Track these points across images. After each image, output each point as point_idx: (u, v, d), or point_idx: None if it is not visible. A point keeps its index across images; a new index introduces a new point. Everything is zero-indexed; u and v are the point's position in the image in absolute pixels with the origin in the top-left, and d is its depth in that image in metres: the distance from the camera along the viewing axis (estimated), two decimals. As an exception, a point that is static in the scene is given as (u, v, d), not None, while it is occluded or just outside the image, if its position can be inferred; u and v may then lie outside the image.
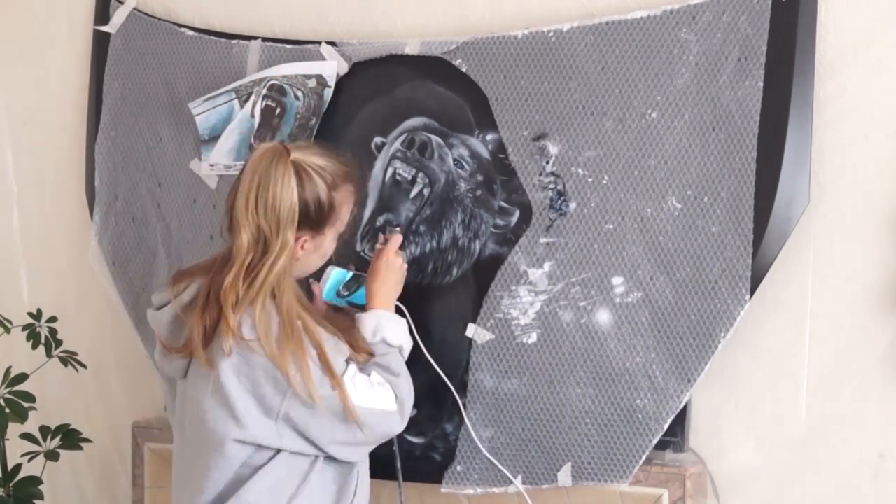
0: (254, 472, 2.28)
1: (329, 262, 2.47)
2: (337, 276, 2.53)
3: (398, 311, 2.46)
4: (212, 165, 2.84)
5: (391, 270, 2.46)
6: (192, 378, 2.33)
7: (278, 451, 2.28)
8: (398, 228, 2.62)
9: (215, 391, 2.25)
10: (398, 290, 2.48)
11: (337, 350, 2.28)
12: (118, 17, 3.03)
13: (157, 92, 2.96)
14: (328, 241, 2.38)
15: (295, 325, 2.24)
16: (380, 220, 2.66)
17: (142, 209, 2.98)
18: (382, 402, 2.31)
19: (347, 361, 2.29)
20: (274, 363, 2.21)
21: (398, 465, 2.55)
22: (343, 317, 2.48)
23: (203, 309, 2.27)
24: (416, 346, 2.50)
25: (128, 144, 3.00)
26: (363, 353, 2.34)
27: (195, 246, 2.86)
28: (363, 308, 2.46)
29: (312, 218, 2.30)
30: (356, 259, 2.66)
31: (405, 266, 2.50)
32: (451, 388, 2.57)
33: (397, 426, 2.34)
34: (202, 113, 2.83)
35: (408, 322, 2.47)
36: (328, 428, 2.27)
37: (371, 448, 2.37)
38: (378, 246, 2.53)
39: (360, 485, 2.36)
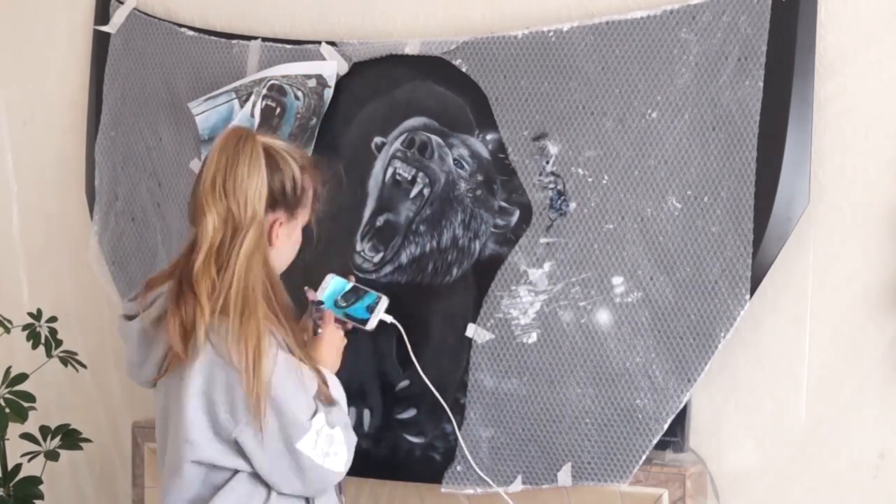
0: (214, 491, 2.20)
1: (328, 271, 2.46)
2: (336, 284, 2.51)
3: (393, 325, 2.50)
4: (211, 165, 2.84)
5: (332, 345, 2.37)
6: (162, 386, 2.28)
7: (236, 470, 2.21)
8: (323, 308, 2.49)
9: (178, 398, 2.19)
10: (336, 360, 2.38)
11: (306, 388, 2.20)
12: (118, 17, 3.04)
13: (157, 92, 2.96)
14: (299, 229, 2.32)
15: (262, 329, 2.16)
16: (380, 221, 2.65)
17: (142, 209, 2.98)
18: (335, 464, 2.21)
19: (316, 403, 2.20)
20: (237, 374, 2.13)
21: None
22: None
23: (177, 301, 2.18)
24: (417, 346, 2.51)
25: (128, 144, 3.00)
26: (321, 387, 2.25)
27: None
28: (362, 322, 2.45)
29: (287, 198, 2.25)
30: (352, 266, 2.66)
31: (342, 335, 2.41)
32: (443, 402, 2.58)
33: (336, 481, 2.27)
34: (202, 113, 2.83)
35: (401, 333, 2.50)
36: (276, 464, 2.19)
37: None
38: (311, 317, 2.46)
39: None
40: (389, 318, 2.52)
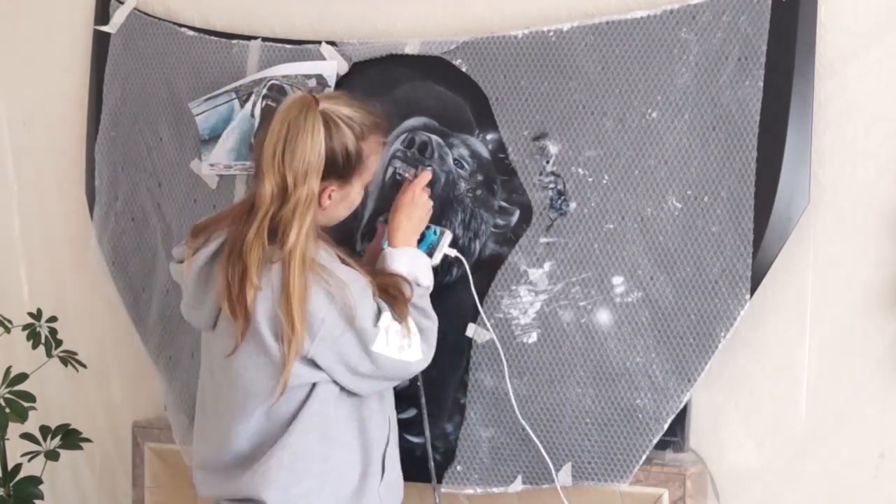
0: (287, 417, 2.29)
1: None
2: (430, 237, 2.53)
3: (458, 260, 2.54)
4: (212, 165, 2.84)
5: (416, 206, 2.47)
6: (221, 329, 2.33)
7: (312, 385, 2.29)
8: (430, 167, 2.61)
9: (251, 337, 2.25)
10: (422, 227, 2.49)
11: (363, 293, 2.28)
12: (118, 17, 3.03)
13: (157, 92, 2.96)
14: (355, 192, 2.38)
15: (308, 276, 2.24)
16: (380, 221, 2.65)
17: (142, 209, 2.98)
18: (410, 354, 2.33)
19: (379, 307, 2.29)
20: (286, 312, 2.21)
21: (423, 400, 2.56)
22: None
23: (227, 262, 2.26)
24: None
25: (128, 144, 3.00)
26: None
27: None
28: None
29: (340, 168, 2.31)
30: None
31: (430, 203, 2.50)
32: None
33: (417, 370, 2.38)
34: (202, 113, 2.83)
35: (465, 268, 2.54)
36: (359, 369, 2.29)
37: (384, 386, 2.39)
38: (407, 177, 2.54)
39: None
40: (454, 253, 2.53)
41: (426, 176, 2.53)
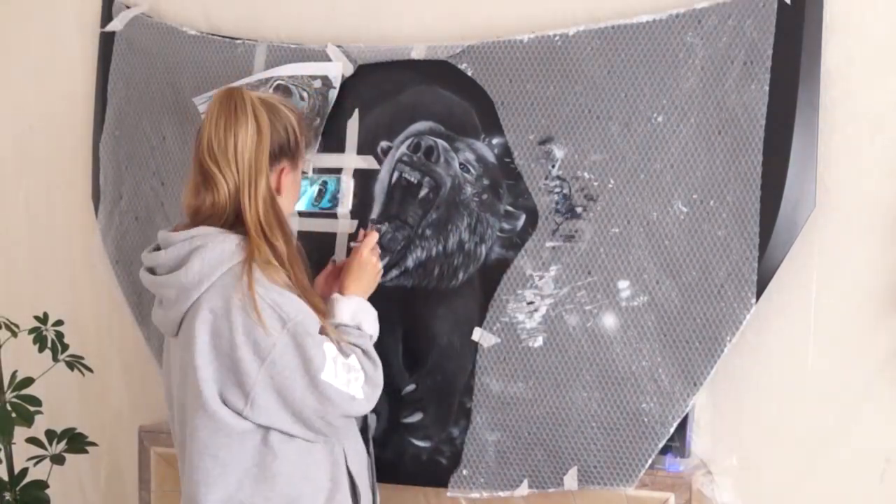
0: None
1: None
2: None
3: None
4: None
5: (363, 269, 2.47)
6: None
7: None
8: (379, 227, 2.63)
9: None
10: (372, 288, 2.48)
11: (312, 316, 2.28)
12: (123, 17, 3.03)
13: (161, 91, 2.96)
14: (299, 177, 2.41)
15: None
16: (385, 226, 2.65)
17: (145, 208, 2.98)
18: (356, 390, 2.28)
19: (322, 335, 2.28)
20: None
21: (370, 448, 2.54)
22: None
23: None
24: (423, 350, 2.51)
25: (132, 144, 3.00)
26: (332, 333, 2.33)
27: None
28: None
29: (291, 147, 2.34)
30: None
31: (379, 266, 2.51)
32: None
33: (361, 410, 2.33)
34: (208, 111, 2.83)
35: None
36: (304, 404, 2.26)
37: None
38: (354, 243, 2.57)
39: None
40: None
41: (372, 237, 2.52)
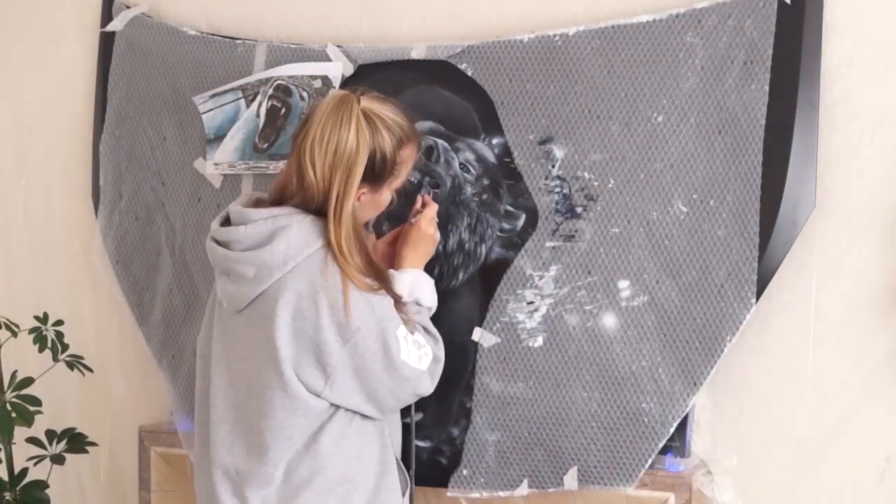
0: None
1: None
2: None
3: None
4: (216, 165, 2.84)
5: (421, 240, 2.49)
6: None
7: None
8: (437, 191, 2.62)
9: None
10: (427, 258, 2.50)
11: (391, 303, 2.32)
12: (123, 17, 3.03)
13: (161, 91, 2.96)
14: (384, 197, 2.39)
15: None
16: (386, 225, 2.65)
17: (146, 208, 2.98)
18: (424, 364, 2.34)
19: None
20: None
21: (413, 437, 2.58)
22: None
23: None
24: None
25: (132, 144, 3.01)
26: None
27: (199, 245, 2.86)
28: None
29: (374, 171, 2.31)
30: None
31: (437, 236, 2.52)
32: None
33: (428, 388, 2.38)
34: (208, 111, 2.83)
35: None
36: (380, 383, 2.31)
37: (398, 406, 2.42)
38: (415, 210, 2.54)
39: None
40: None
41: (432, 208, 2.53)
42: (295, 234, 2.24)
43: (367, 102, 2.30)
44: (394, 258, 2.49)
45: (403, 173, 2.38)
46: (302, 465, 2.30)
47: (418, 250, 2.48)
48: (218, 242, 2.34)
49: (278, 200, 2.32)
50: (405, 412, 2.55)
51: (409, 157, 2.38)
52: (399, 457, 2.49)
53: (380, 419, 2.38)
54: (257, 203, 2.36)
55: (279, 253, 2.24)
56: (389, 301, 2.30)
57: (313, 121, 2.29)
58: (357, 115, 2.27)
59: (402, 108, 2.38)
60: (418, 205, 2.55)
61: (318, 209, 2.28)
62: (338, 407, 2.31)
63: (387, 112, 2.32)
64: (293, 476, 2.30)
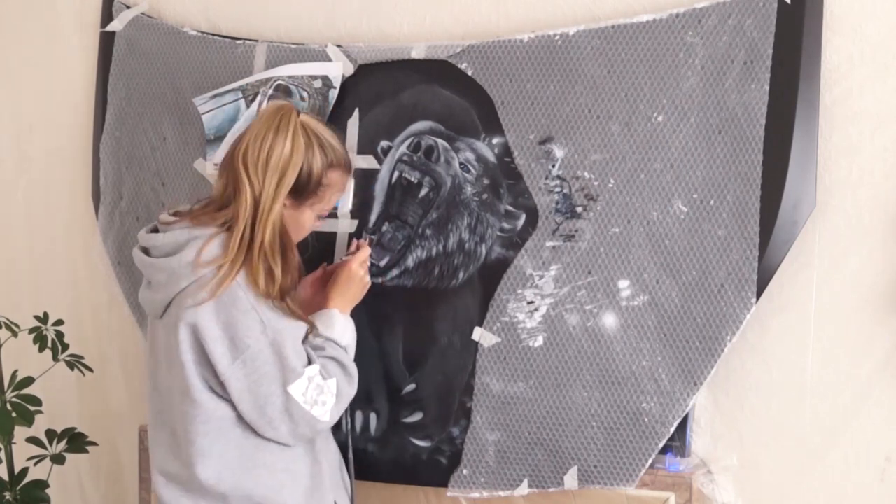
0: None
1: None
2: None
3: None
4: (216, 165, 2.83)
5: (351, 282, 2.49)
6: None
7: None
8: (373, 238, 2.64)
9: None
10: (356, 301, 2.50)
11: (298, 332, 2.32)
12: (123, 17, 3.03)
13: (161, 92, 2.96)
14: (306, 217, 2.41)
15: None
16: (385, 226, 2.65)
17: (146, 208, 2.98)
18: (321, 413, 2.32)
19: (309, 357, 2.31)
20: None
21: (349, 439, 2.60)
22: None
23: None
24: (424, 350, 2.51)
25: (132, 144, 3.00)
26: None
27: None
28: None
29: (300, 186, 2.34)
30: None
31: (367, 280, 2.53)
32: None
33: (321, 430, 2.37)
34: (209, 111, 2.83)
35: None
36: (267, 404, 2.30)
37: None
38: (347, 255, 2.57)
39: None
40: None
41: (365, 251, 2.55)
42: (207, 244, 2.27)
43: (305, 118, 2.37)
44: (317, 301, 2.50)
45: (328, 197, 2.42)
46: (226, 479, 2.30)
47: (347, 293, 2.48)
48: (142, 248, 2.38)
49: (201, 211, 2.35)
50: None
51: (336, 181, 2.42)
52: (341, 470, 2.51)
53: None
54: (184, 214, 2.39)
55: (187, 261, 2.26)
56: (283, 318, 2.30)
57: (251, 128, 2.34)
58: (295, 124, 2.33)
59: (339, 134, 2.44)
60: (353, 248, 2.58)
61: (246, 222, 2.29)
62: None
63: (323, 132, 2.39)
64: (220, 483, 2.30)
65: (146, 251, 2.37)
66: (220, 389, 2.28)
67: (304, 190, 2.36)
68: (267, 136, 2.31)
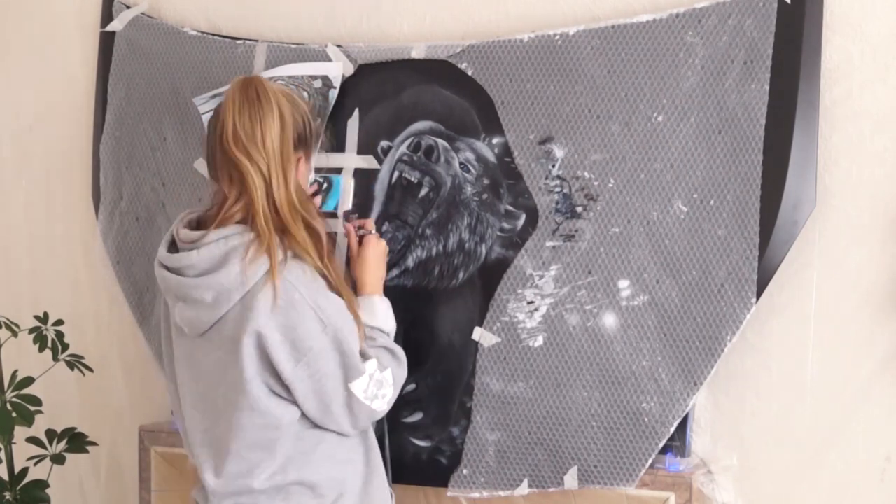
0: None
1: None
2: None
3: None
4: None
5: (378, 259, 2.47)
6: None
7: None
8: (356, 215, 2.64)
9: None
10: (384, 276, 2.50)
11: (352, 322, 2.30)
12: (123, 17, 3.04)
13: (161, 92, 2.96)
14: (305, 170, 2.39)
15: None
16: (385, 226, 2.65)
17: (146, 209, 2.98)
18: (380, 405, 2.32)
19: (364, 351, 2.30)
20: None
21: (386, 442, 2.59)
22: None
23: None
24: (424, 350, 2.51)
25: (132, 144, 3.01)
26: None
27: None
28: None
29: (307, 137, 2.33)
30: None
31: (383, 244, 2.51)
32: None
33: (377, 418, 2.37)
34: (209, 111, 2.83)
35: None
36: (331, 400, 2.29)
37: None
38: (353, 232, 2.52)
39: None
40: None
41: (369, 224, 2.53)
42: (250, 252, 2.21)
43: (265, 82, 2.30)
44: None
45: (315, 141, 2.41)
46: (288, 475, 2.28)
47: (377, 271, 2.46)
48: (172, 270, 2.30)
49: (222, 215, 2.28)
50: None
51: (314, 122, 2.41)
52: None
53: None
54: (200, 223, 2.34)
55: (235, 274, 2.21)
56: (344, 312, 2.27)
57: (226, 109, 2.26)
58: (271, 88, 2.27)
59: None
60: (355, 226, 2.54)
61: (262, 203, 2.24)
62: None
63: (282, 87, 2.38)
64: (286, 479, 2.28)
65: (178, 271, 2.28)
66: (284, 393, 2.24)
67: (309, 139, 2.35)
68: (251, 110, 2.24)
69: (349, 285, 2.37)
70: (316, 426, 2.30)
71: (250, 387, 2.22)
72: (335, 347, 2.23)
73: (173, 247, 2.33)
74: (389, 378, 2.33)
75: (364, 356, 2.28)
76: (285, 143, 2.26)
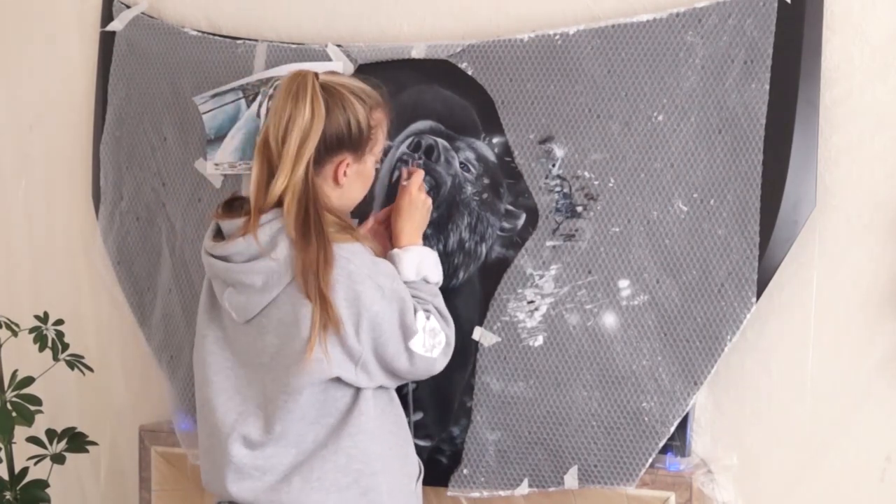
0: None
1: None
2: None
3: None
4: (217, 165, 2.84)
5: (415, 207, 2.47)
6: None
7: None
8: (420, 161, 2.62)
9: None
10: (424, 226, 2.49)
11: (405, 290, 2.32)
12: (123, 17, 3.04)
13: (161, 92, 2.96)
14: (369, 167, 2.38)
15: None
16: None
17: (146, 208, 2.98)
18: (436, 353, 2.35)
19: (413, 305, 2.32)
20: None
21: (410, 401, 2.59)
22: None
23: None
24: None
25: (132, 144, 3.01)
26: None
27: (199, 245, 2.85)
28: None
29: (352, 139, 2.32)
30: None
31: (429, 201, 2.51)
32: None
33: (437, 370, 2.39)
34: (209, 111, 2.83)
35: None
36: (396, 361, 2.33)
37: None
38: (402, 183, 2.53)
39: None
40: None
41: (419, 175, 2.52)
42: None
43: (326, 78, 2.32)
44: (389, 238, 2.49)
45: (380, 136, 2.38)
46: (339, 452, 2.27)
47: (414, 219, 2.46)
48: (219, 257, 2.32)
49: (264, 201, 2.29)
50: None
51: (381, 119, 2.38)
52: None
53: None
54: (241, 208, 2.35)
55: (284, 257, 2.23)
56: (395, 274, 2.31)
57: (274, 100, 2.31)
58: (313, 87, 2.27)
59: (366, 79, 2.40)
60: (405, 175, 2.54)
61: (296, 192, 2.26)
62: (359, 389, 2.30)
63: (349, 82, 2.34)
64: (327, 463, 2.27)
65: (225, 258, 2.29)
66: (345, 368, 2.25)
67: (359, 142, 2.33)
68: (286, 106, 2.26)
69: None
70: (358, 401, 2.29)
71: (316, 366, 2.22)
72: (395, 310, 2.26)
73: (219, 235, 2.35)
74: (438, 327, 2.35)
75: (415, 308, 2.32)
76: (304, 144, 2.26)
